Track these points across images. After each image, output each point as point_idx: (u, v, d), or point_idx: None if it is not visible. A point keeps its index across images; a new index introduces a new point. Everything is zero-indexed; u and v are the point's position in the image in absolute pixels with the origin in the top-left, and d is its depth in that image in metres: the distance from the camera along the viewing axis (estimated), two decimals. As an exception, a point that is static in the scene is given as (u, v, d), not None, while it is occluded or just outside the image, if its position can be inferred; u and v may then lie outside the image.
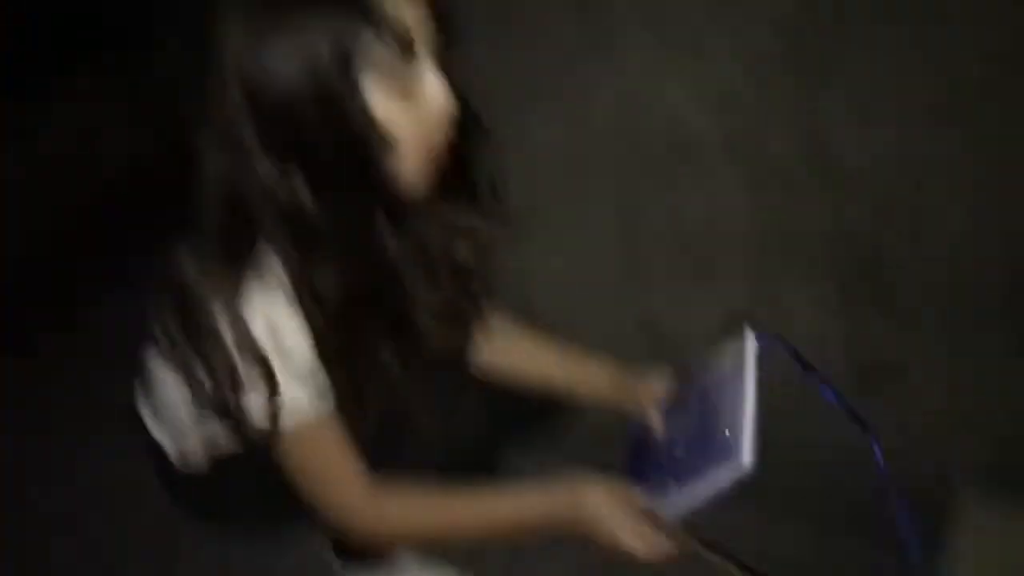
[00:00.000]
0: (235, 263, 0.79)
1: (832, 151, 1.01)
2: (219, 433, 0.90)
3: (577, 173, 1.15)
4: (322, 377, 0.84)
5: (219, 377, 0.82)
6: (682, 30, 1.01)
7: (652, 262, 1.18)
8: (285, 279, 0.79)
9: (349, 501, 0.89)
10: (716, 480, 0.77)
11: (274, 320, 0.79)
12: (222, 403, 0.84)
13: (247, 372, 0.81)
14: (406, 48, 0.73)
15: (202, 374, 0.83)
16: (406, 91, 0.76)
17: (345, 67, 0.73)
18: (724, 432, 0.80)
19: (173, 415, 0.96)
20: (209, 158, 0.78)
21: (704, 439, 0.83)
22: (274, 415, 0.82)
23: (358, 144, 0.75)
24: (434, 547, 0.92)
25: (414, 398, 0.88)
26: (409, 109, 0.76)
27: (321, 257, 0.79)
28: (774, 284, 1.13)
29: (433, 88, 0.76)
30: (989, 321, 1.04)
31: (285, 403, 0.82)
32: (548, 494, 0.86)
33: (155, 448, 1.02)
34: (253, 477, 0.92)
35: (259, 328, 0.79)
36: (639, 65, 1.05)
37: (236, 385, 0.82)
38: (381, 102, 0.75)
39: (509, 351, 1.07)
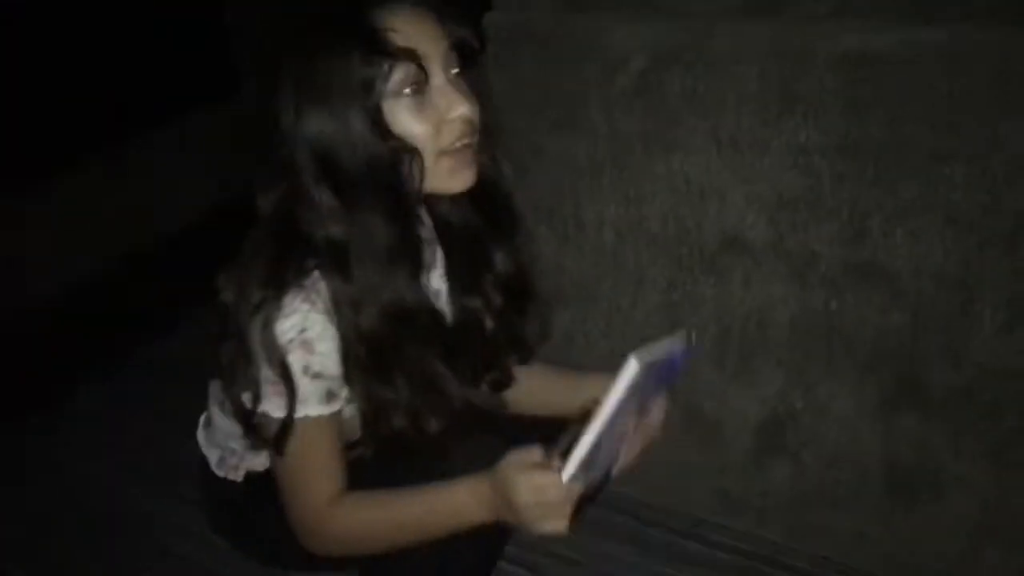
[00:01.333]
0: (277, 285, 0.85)
1: (879, 258, 1.04)
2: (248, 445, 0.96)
3: (631, 256, 1.19)
4: (344, 390, 0.89)
5: (243, 386, 0.89)
6: (736, 128, 1.06)
7: (698, 350, 1.21)
8: (326, 299, 0.85)
9: (311, 503, 0.93)
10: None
11: (310, 336, 0.86)
12: (243, 411, 0.90)
13: (270, 385, 0.87)
14: (418, 72, 0.82)
15: (231, 383, 0.91)
16: (419, 104, 0.84)
17: (362, 103, 0.83)
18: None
19: (219, 423, 1.03)
20: (264, 194, 0.87)
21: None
22: (286, 426, 0.88)
23: (385, 164, 0.85)
24: (379, 551, 0.94)
25: (439, 424, 0.92)
26: (423, 117, 0.84)
27: (358, 274, 0.86)
28: (814, 380, 1.15)
29: (446, 97, 0.85)
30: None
31: (299, 410, 0.88)
32: (478, 482, 0.87)
33: (202, 461, 1.08)
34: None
35: (291, 344, 0.85)
36: (694, 158, 1.10)
37: (256, 397, 0.88)
38: (396, 118, 0.84)
39: (537, 391, 1.10)
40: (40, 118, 2.06)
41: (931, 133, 0.96)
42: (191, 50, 2.40)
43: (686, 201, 1.12)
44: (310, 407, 0.89)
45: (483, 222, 0.97)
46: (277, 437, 0.90)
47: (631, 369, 0.81)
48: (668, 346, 0.85)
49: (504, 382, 1.07)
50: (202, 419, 1.11)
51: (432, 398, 0.92)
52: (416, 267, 0.90)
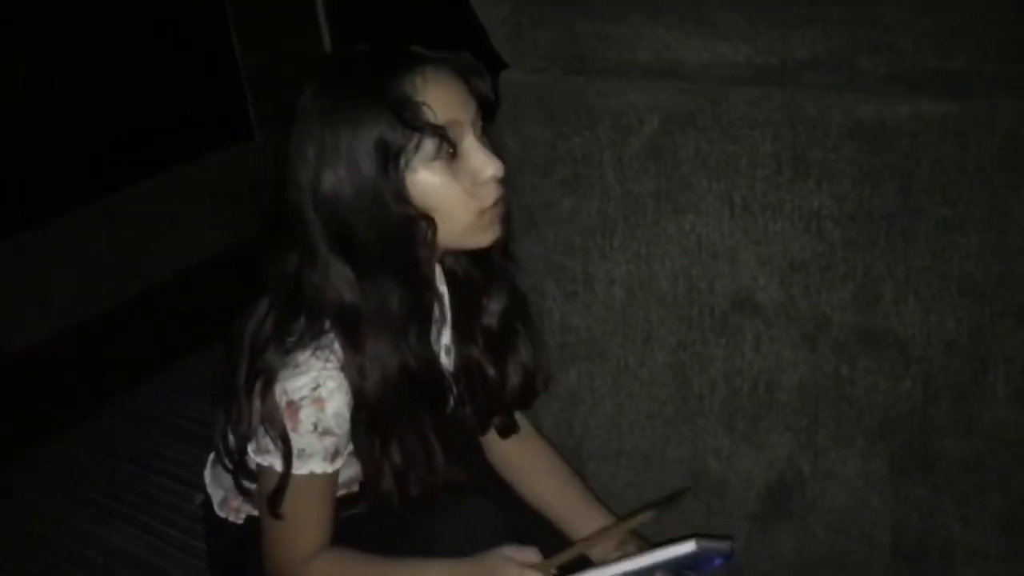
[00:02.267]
0: (292, 343, 0.85)
1: (891, 325, 1.04)
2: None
3: (641, 314, 1.19)
4: (348, 448, 0.89)
5: (247, 438, 0.89)
6: (749, 191, 1.06)
7: (705, 411, 1.20)
8: (340, 359, 0.85)
9: (289, 556, 0.93)
10: None
11: (323, 394, 0.85)
12: (243, 461, 0.90)
13: (266, 440, 0.86)
14: (449, 143, 0.82)
15: (235, 435, 0.91)
16: (452, 168, 0.84)
17: (386, 172, 0.83)
18: None
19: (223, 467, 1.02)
20: (274, 252, 0.88)
21: None
22: (284, 480, 0.87)
23: (404, 233, 0.85)
24: None
25: (421, 492, 0.92)
26: (457, 181, 0.84)
27: (362, 346, 0.85)
28: (822, 445, 1.14)
29: (478, 159, 0.84)
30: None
31: (303, 466, 0.88)
32: (463, 564, 0.88)
33: (206, 500, 1.07)
34: None
35: (304, 401, 0.85)
36: (707, 220, 1.10)
37: (259, 450, 0.87)
38: (427, 184, 0.84)
39: (516, 461, 1.11)
40: (47, 161, 2.07)
41: (942, 203, 0.97)
42: (204, 93, 2.43)
43: (697, 262, 1.12)
44: (314, 464, 0.89)
45: (482, 271, 0.97)
46: (275, 491, 0.89)
47: (687, 548, 0.84)
48: (719, 546, 0.87)
49: (510, 428, 1.08)
50: (210, 458, 1.11)
51: (419, 468, 0.92)
52: (426, 331, 0.90)
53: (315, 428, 0.86)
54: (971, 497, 1.07)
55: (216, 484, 1.08)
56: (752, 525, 1.24)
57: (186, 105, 2.34)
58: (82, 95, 2.12)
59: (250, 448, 0.90)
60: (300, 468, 0.87)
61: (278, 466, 0.87)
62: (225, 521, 1.06)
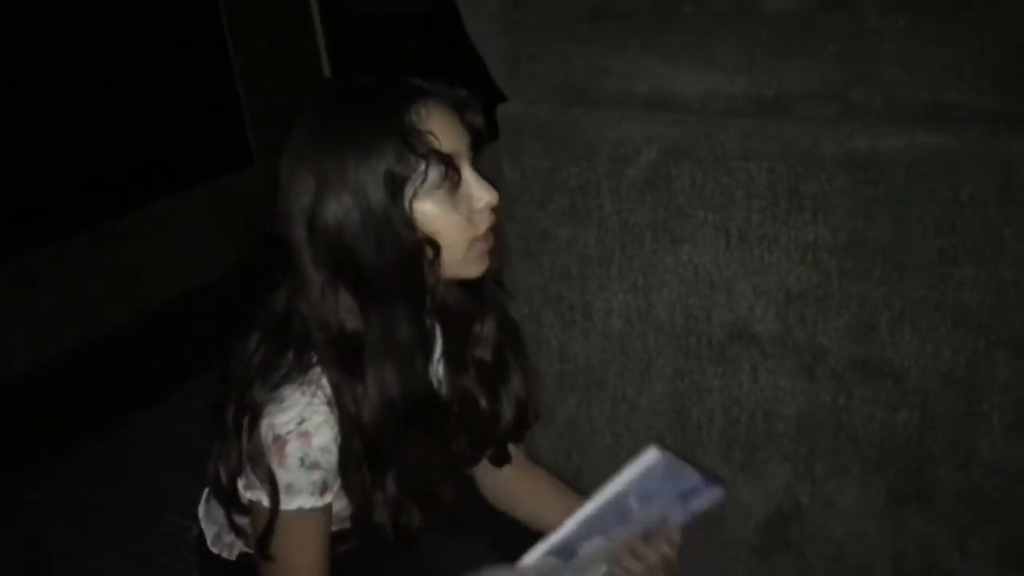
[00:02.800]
0: (278, 378, 0.85)
1: (887, 355, 1.04)
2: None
3: (638, 344, 1.19)
4: (336, 482, 0.88)
5: (235, 474, 0.88)
6: (745, 222, 1.07)
7: (703, 441, 1.20)
8: (327, 393, 0.85)
9: None
10: None
11: (309, 428, 0.85)
12: (233, 497, 0.89)
13: (254, 476, 0.86)
14: (454, 170, 0.83)
15: (224, 470, 0.91)
16: (451, 197, 0.85)
17: (394, 200, 0.83)
18: None
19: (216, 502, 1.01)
20: (269, 286, 0.88)
21: None
22: (273, 517, 0.87)
23: (411, 261, 0.85)
24: None
25: (422, 522, 0.91)
26: (456, 210, 0.85)
27: (363, 375, 0.85)
28: (820, 476, 1.14)
29: (476, 188, 0.85)
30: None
31: (291, 502, 0.87)
32: None
33: (200, 535, 1.06)
34: None
35: (290, 436, 0.85)
36: (703, 250, 1.11)
37: (248, 485, 0.87)
38: (429, 213, 0.85)
39: (514, 489, 1.11)
40: (45, 187, 2.07)
41: (937, 234, 0.97)
42: (203, 119, 2.44)
43: (695, 292, 1.12)
44: (303, 499, 0.88)
45: (474, 301, 0.98)
46: (265, 529, 0.89)
47: (650, 457, 0.80)
48: (692, 471, 0.84)
49: (504, 458, 1.08)
50: (205, 493, 1.10)
51: (417, 497, 0.91)
52: (429, 358, 0.91)
53: (302, 463, 0.86)
54: (969, 528, 1.07)
55: (209, 519, 1.07)
56: (751, 556, 1.24)
57: (185, 131, 2.35)
58: (81, 122, 2.13)
59: (240, 484, 0.90)
60: (289, 504, 0.86)
61: (266, 502, 0.87)
62: (218, 557, 1.05)
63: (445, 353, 1.00)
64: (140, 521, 1.67)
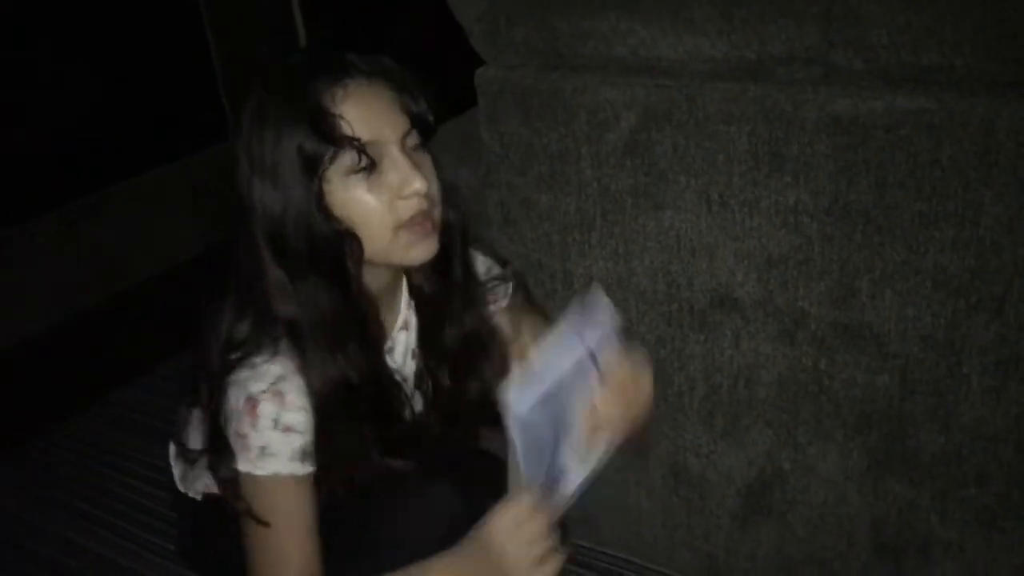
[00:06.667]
0: (250, 346, 0.86)
1: (868, 319, 1.04)
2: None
3: (620, 312, 1.19)
4: (311, 452, 0.88)
5: (207, 442, 0.90)
6: (726, 187, 1.06)
7: (685, 408, 1.20)
8: (294, 363, 0.85)
9: None
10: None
11: (282, 389, 0.85)
12: (208, 455, 0.90)
13: (238, 440, 0.86)
14: (367, 157, 0.82)
15: (197, 427, 0.92)
16: (370, 183, 0.84)
17: (308, 183, 0.83)
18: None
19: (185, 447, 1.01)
20: (235, 262, 0.88)
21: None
22: (237, 479, 0.87)
23: (329, 243, 0.85)
24: None
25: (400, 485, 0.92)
26: (375, 195, 0.85)
27: (310, 351, 0.86)
28: (801, 441, 1.14)
29: (401, 174, 0.84)
30: (1020, 507, 1.04)
31: (267, 465, 0.86)
32: (460, 551, 0.87)
33: (172, 477, 1.06)
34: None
35: (263, 395, 0.85)
36: (684, 216, 1.10)
37: (219, 447, 0.88)
38: (343, 198, 0.84)
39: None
40: (25, 162, 2.04)
41: (918, 198, 0.97)
42: (180, 94, 2.41)
43: (676, 258, 1.12)
44: (279, 463, 0.87)
45: (446, 291, 0.97)
46: (239, 497, 0.88)
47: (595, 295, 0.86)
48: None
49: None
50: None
51: (359, 467, 0.91)
52: (368, 343, 0.90)
53: (275, 424, 0.85)
54: (949, 492, 1.08)
55: (177, 459, 1.07)
56: (733, 523, 1.24)
57: (161, 106, 2.32)
58: (55, 98, 2.09)
59: (214, 453, 0.89)
60: (264, 468, 0.85)
61: (241, 467, 0.86)
62: (185, 496, 1.05)
63: (420, 336, 1.00)
64: (124, 497, 1.65)
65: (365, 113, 0.83)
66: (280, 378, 0.85)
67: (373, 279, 0.91)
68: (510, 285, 1.06)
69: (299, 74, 0.84)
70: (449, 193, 0.91)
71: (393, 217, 0.85)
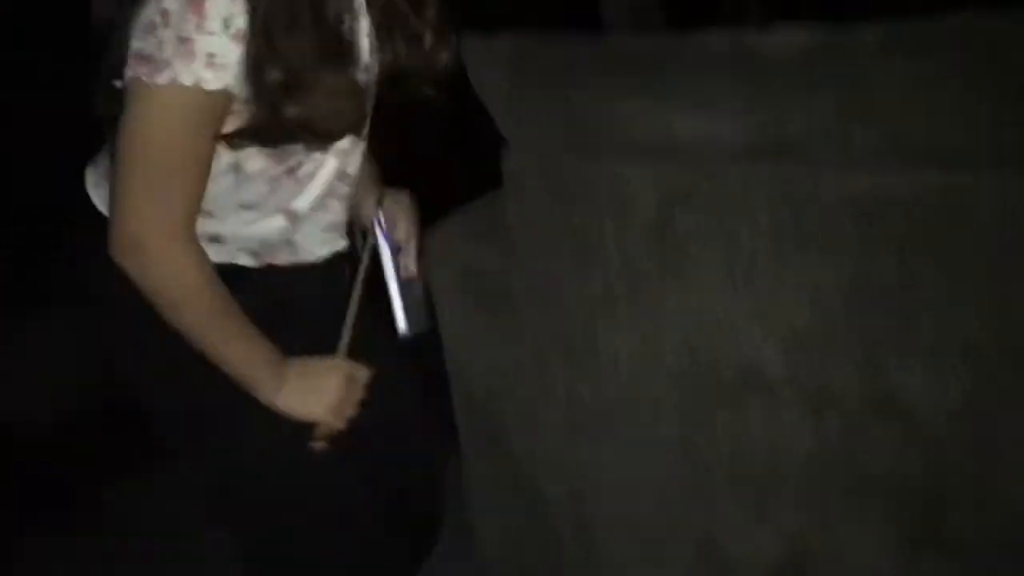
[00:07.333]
0: None
1: (896, 395, 1.03)
2: None
3: (647, 387, 1.19)
4: (244, 75, 0.85)
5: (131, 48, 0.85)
6: (750, 265, 1.07)
7: (714, 483, 1.19)
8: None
9: (160, 218, 0.87)
10: None
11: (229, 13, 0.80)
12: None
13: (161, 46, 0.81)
14: None
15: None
16: None
17: None
18: None
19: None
20: None
21: None
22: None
23: None
24: (175, 320, 0.92)
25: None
26: None
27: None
28: (833, 519, 1.13)
29: None
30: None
31: (204, 79, 0.82)
32: (306, 362, 1.04)
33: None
34: None
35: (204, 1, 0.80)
36: (709, 293, 1.11)
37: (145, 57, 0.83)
38: None
39: None
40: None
41: (941, 273, 0.97)
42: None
43: (702, 334, 1.12)
44: (229, 74, 0.84)
45: None
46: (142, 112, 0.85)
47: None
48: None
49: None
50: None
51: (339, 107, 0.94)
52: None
53: (226, 26, 0.81)
54: (984, 571, 1.05)
55: (94, 166, 1.04)
56: (764, 601, 1.22)
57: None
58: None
59: (135, 61, 0.84)
60: (210, 81, 0.81)
61: (184, 79, 0.80)
62: (94, 205, 1.01)
63: (377, 29, 1.06)
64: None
65: None
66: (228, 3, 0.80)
67: None
68: None
69: None
70: None
71: None
